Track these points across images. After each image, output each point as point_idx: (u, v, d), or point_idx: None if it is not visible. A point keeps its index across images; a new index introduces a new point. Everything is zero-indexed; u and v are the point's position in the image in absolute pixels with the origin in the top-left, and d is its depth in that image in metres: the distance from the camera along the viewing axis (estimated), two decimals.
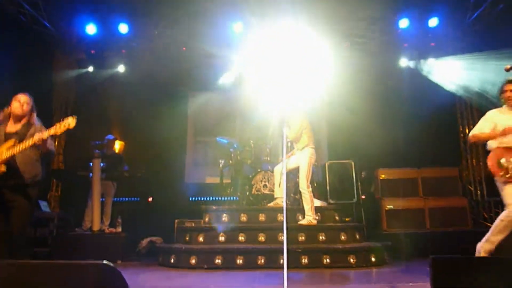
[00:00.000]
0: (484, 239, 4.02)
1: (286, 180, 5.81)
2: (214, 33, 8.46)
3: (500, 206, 7.67)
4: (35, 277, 2.07)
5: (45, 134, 3.71)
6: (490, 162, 4.08)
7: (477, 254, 4.00)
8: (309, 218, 5.60)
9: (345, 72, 8.10)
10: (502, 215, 3.98)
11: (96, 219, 6.31)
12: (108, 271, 2.06)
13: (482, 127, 4.15)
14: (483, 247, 3.97)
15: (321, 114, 9.37)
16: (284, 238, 4.00)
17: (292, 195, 6.64)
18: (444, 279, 2.31)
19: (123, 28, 8.26)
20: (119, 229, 6.49)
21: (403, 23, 8.24)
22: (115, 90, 8.86)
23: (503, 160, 3.93)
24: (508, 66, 3.24)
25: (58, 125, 3.75)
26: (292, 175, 6.28)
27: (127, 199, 7.93)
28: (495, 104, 4.47)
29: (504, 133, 3.93)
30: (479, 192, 8.29)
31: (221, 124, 9.09)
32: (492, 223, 7.34)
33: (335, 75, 8.19)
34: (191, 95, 9.52)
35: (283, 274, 4.31)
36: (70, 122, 3.74)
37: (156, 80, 8.62)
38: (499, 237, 3.94)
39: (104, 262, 2.06)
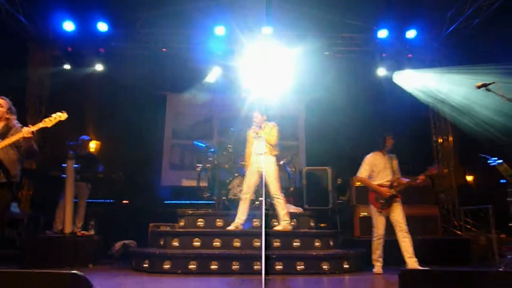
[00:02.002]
0: None
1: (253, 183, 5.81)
2: (195, 35, 8.44)
3: (470, 215, 7.96)
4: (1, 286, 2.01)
5: (34, 127, 3.67)
6: (370, 197, 5.43)
7: None
8: (285, 223, 5.63)
9: (324, 81, 8.25)
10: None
11: (68, 221, 6.14)
12: (77, 280, 2.01)
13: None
14: None
15: (300, 121, 9.48)
16: (262, 244, 4.04)
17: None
18: None
19: (102, 26, 8.13)
20: (92, 232, 6.36)
21: (382, 33, 8.42)
22: (92, 89, 8.71)
23: (379, 196, 5.32)
24: (479, 84, 3.35)
25: (48, 119, 3.73)
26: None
27: (101, 201, 7.78)
28: (467, 115, 4.71)
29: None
30: (450, 200, 8.52)
31: (199, 128, 9.04)
32: (462, 232, 7.62)
33: (314, 83, 8.36)
34: (170, 97, 9.45)
35: (257, 280, 4.33)
36: (61, 115, 3.76)
37: (134, 81, 8.50)
38: None
39: (74, 271, 2.01)
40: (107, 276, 5.09)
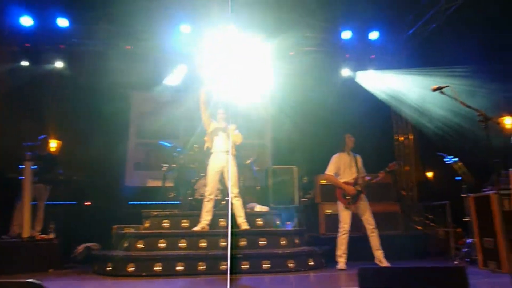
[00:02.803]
0: None
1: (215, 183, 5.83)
2: (161, 33, 8.30)
3: (429, 211, 8.30)
4: None
5: None
6: (337, 193, 5.71)
7: None
8: (245, 221, 5.71)
9: (289, 80, 8.33)
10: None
11: (26, 225, 5.92)
12: None
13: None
14: None
15: (266, 120, 9.53)
16: (229, 244, 4.07)
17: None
18: (370, 287, 2.46)
19: (63, 22, 7.85)
20: (52, 236, 6.14)
21: (346, 34, 8.59)
22: (52, 87, 8.39)
23: (345, 193, 5.62)
24: (435, 87, 3.50)
25: None
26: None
27: (62, 203, 7.52)
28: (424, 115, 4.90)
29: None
30: (410, 197, 8.85)
31: (164, 127, 8.90)
32: (422, 227, 7.93)
33: (279, 82, 8.43)
34: (135, 95, 9.25)
35: (224, 280, 4.35)
36: None
37: (97, 78, 8.27)
38: None
39: (29, 280, 1.94)
40: (69, 280, 4.96)
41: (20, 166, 6.09)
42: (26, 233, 5.90)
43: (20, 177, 6.12)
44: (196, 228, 5.66)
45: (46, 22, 7.86)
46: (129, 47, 8.40)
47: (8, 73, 8.22)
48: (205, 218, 5.70)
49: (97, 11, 7.94)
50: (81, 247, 6.57)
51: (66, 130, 8.32)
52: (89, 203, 7.88)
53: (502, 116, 7.71)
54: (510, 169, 4.68)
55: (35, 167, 6.19)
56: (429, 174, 10.60)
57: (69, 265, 6.15)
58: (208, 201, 5.73)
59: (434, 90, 3.52)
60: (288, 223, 6.80)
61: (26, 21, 7.68)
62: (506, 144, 6.10)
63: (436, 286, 2.51)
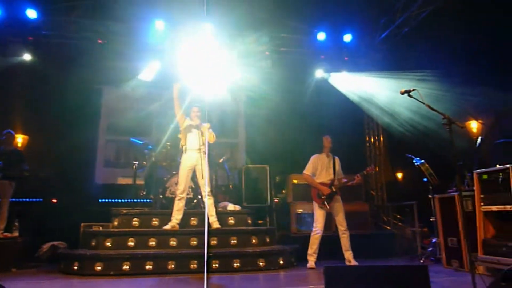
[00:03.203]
0: None
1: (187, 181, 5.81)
2: (134, 28, 8.17)
3: (398, 211, 8.51)
4: None
5: None
6: (312, 193, 5.80)
7: None
8: (216, 220, 5.72)
9: (264, 79, 8.37)
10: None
11: None
12: None
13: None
14: None
15: (240, 118, 9.53)
16: (205, 242, 4.05)
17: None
18: (336, 285, 2.51)
19: (31, 13, 7.60)
20: (16, 234, 5.94)
21: (321, 36, 8.69)
22: (20, 80, 8.10)
23: (320, 193, 5.71)
24: (403, 90, 3.59)
25: None
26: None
27: (28, 200, 7.29)
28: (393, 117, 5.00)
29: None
30: (380, 197, 9.05)
31: (137, 124, 8.75)
32: (390, 227, 8.12)
33: (253, 81, 8.45)
34: (106, 91, 9.04)
35: (193, 279, 4.31)
36: None
37: (67, 72, 8.02)
38: None
39: None
40: (32, 280, 4.80)
41: None
42: None
43: None
44: (166, 227, 5.60)
45: (14, 13, 7.59)
46: (101, 41, 8.20)
47: None
48: (176, 217, 5.65)
49: (68, 2, 7.73)
50: (46, 246, 6.37)
51: (33, 125, 8.05)
52: (56, 200, 7.65)
53: (469, 120, 7.99)
54: (474, 171, 4.85)
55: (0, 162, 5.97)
56: (398, 175, 10.86)
57: (33, 264, 5.96)
58: (179, 199, 5.68)
59: (402, 93, 3.61)
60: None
61: None
62: (472, 147, 6.35)
63: (399, 284, 2.58)
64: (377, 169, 9.21)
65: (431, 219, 6.19)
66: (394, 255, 7.02)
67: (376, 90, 8.26)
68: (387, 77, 7.99)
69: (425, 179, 6.08)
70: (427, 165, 5.94)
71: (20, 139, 8.01)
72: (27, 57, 8.11)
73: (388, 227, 8.34)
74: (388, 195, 9.04)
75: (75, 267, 5.03)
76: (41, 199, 7.55)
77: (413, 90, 3.55)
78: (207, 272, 4.99)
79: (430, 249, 6.28)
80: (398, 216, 8.51)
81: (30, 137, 8.13)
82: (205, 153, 5.75)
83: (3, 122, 7.12)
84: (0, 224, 6.13)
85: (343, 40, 8.88)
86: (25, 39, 8.04)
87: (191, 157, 5.76)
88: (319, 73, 9.17)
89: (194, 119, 5.89)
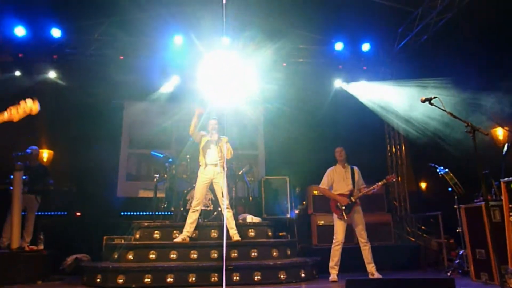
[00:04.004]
0: None
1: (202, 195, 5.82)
2: (154, 44, 8.35)
3: (422, 221, 8.29)
4: None
5: None
6: (331, 204, 5.71)
7: None
8: (236, 232, 5.69)
9: (283, 91, 8.38)
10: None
11: (15, 236, 5.81)
12: None
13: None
14: None
15: (259, 130, 9.55)
16: (224, 255, 4.03)
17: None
18: None
19: (56, 32, 7.87)
20: (41, 246, 6.04)
21: (339, 46, 8.68)
22: (44, 97, 8.32)
23: (339, 204, 5.62)
24: (423, 98, 3.53)
25: (13, 108, 2.90)
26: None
27: (52, 213, 7.44)
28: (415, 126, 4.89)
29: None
30: (403, 208, 8.84)
31: (157, 137, 8.88)
32: (415, 238, 7.91)
33: (273, 93, 8.48)
34: (127, 105, 9.22)
35: None
36: (31, 106, 2.93)
37: (90, 89, 8.25)
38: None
39: None
40: None
41: (10, 176, 6.02)
42: (15, 244, 5.80)
43: (9, 188, 6.05)
44: (177, 240, 5.62)
45: (40, 33, 7.88)
46: (122, 57, 8.41)
47: (0, 84, 8.18)
48: (187, 229, 5.64)
49: (90, 21, 7.97)
50: (70, 259, 6.49)
51: (57, 140, 8.28)
52: (80, 214, 7.79)
53: (494, 128, 7.77)
54: (501, 180, 4.69)
55: (25, 177, 6.12)
56: (422, 185, 10.62)
57: (58, 277, 6.04)
58: (193, 212, 5.68)
59: (423, 101, 3.56)
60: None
61: (20, 31, 7.70)
62: (499, 155, 6.14)
63: None
64: (400, 179, 9.03)
65: (457, 230, 5.98)
66: (419, 268, 6.83)
67: (396, 98, 8.14)
68: (407, 85, 7.87)
69: (450, 189, 5.92)
70: (451, 174, 5.78)
71: (45, 154, 8.23)
72: (51, 74, 8.39)
73: (413, 239, 8.13)
74: (411, 205, 8.81)
75: (98, 280, 5.07)
76: (65, 213, 7.70)
77: (434, 97, 3.49)
78: (226, 284, 4.95)
79: (457, 261, 6.07)
80: (423, 227, 8.29)
81: (54, 152, 8.35)
82: (223, 167, 5.75)
83: (29, 138, 7.34)
84: (26, 237, 6.27)
85: (361, 50, 8.83)
86: (50, 57, 8.33)
87: (208, 171, 5.77)
88: (338, 83, 9.14)
89: (211, 133, 5.88)
